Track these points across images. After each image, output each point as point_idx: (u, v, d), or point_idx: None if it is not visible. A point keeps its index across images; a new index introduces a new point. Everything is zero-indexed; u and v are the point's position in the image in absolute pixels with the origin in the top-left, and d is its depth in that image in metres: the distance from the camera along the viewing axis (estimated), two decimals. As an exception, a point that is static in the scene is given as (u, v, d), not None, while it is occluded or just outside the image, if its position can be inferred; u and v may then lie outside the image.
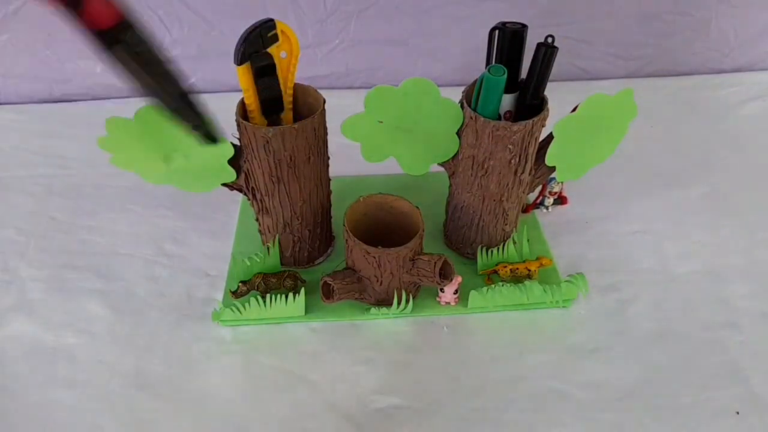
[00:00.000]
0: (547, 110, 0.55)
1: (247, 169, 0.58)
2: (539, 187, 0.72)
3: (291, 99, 0.57)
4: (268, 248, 0.65)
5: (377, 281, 0.59)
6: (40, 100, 0.97)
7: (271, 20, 0.50)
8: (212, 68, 0.95)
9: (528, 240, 0.68)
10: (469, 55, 0.97)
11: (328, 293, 0.59)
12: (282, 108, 0.56)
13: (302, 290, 0.61)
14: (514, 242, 0.67)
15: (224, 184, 0.60)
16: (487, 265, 0.66)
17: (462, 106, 0.56)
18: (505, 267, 0.65)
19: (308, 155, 0.57)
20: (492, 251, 0.66)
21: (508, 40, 0.53)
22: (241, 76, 0.51)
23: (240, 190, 0.61)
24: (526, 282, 0.63)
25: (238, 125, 0.55)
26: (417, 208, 0.59)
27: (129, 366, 0.58)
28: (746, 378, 0.57)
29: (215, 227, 0.73)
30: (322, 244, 0.68)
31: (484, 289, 0.62)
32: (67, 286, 0.66)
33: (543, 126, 0.56)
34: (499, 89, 0.53)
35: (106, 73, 0.95)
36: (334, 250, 0.70)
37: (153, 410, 0.55)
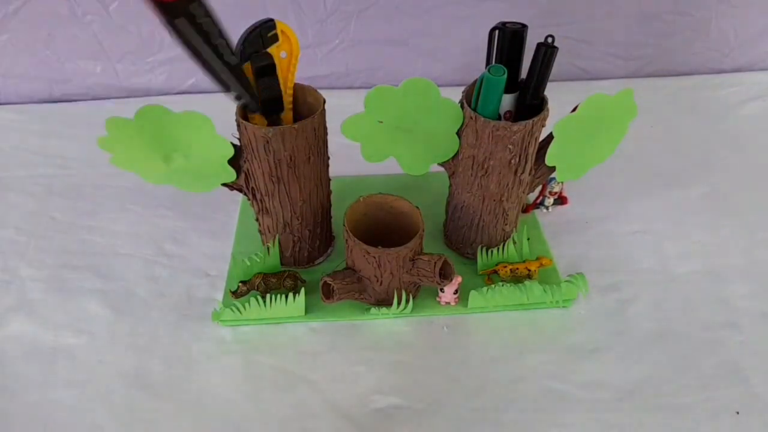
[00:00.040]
0: (547, 110, 0.55)
1: (247, 169, 0.58)
2: (539, 187, 0.72)
3: (291, 99, 0.57)
4: (268, 248, 0.65)
5: (377, 281, 0.59)
6: (40, 100, 0.97)
7: (271, 20, 0.50)
8: (212, 68, 0.95)
9: (528, 240, 0.68)
10: (469, 55, 0.97)
11: (328, 293, 0.59)
12: (282, 108, 0.56)
13: (302, 290, 0.61)
14: (514, 242, 0.67)
15: (224, 184, 0.60)
16: (487, 265, 0.66)
17: (462, 106, 0.56)
18: (505, 267, 0.65)
19: (308, 155, 0.57)
20: (492, 251, 0.66)
21: (508, 40, 0.53)
22: (242, 76, 0.51)
23: (240, 190, 0.61)
24: (526, 282, 0.63)
25: (238, 125, 0.55)
26: (417, 208, 0.59)
27: (129, 366, 0.58)
28: (746, 378, 0.57)
29: (215, 227, 0.73)
30: (322, 244, 0.68)
31: (484, 289, 0.62)
32: (67, 286, 0.66)
33: (543, 126, 0.56)
34: (499, 89, 0.53)
35: (106, 73, 0.96)
36: (334, 250, 0.70)
37: (153, 410, 0.55)
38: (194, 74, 0.96)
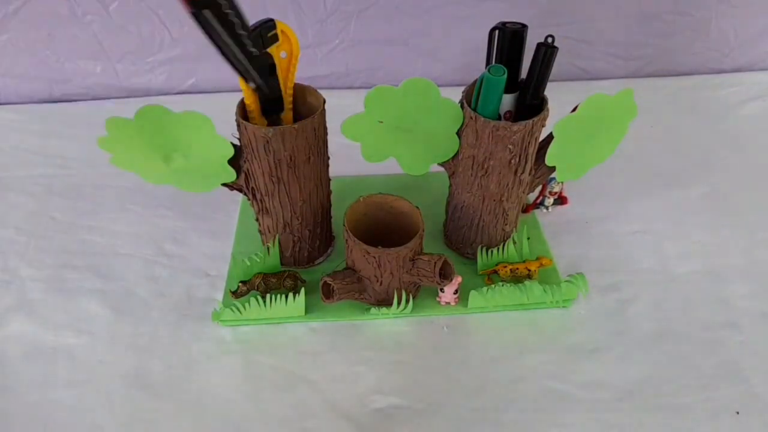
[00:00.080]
0: (547, 110, 0.55)
1: (247, 169, 0.58)
2: (539, 187, 0.72)
3: (291, 99, 0.57)
4: (268, 248, 0.65)
5: (377, 281, 0.59)
6: (40, 100, 0.97)
7: (271, 20, 0.50)
8: (212, 68, 0.95)
9: (528, 240, 0.68)
10: (469, 55, 0.97)
11: (328, 293, 0.59)
12: (282, 108, 0.56)
13: (302, 290, 0.61)
14: (514, 242, 0.67)
15: (224, 184, 0.60)
16: (487, 265, 0.66)
17: (462, 106, 0.56)
18: (505, 267, 0.65)
19: (308, 155, 0.57)
20: (492, 251, 0.66)
21: (508, 40, 0.53)
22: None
23: (240, 190, 0.61)
24: (526, 282, 0.63)
25: (238, 125, 0.55)
26: (417, 208, 0.59)
27: (129, 366, 0.58)
28: (746, 378, 0.57)
29: (215, 227, 0.73)
30: (322, 244, 0.68)
31: (484, 289, 0.62)
32: (67, 286, 0.66)
33: (543, 126, 0.56)
34: (499, 89, 0.53)
35: (106, 73, 0.96)
36: (334, 250, 0.70)
37: (153, 410, 0.55)
38: (194, 74, 0.96)
